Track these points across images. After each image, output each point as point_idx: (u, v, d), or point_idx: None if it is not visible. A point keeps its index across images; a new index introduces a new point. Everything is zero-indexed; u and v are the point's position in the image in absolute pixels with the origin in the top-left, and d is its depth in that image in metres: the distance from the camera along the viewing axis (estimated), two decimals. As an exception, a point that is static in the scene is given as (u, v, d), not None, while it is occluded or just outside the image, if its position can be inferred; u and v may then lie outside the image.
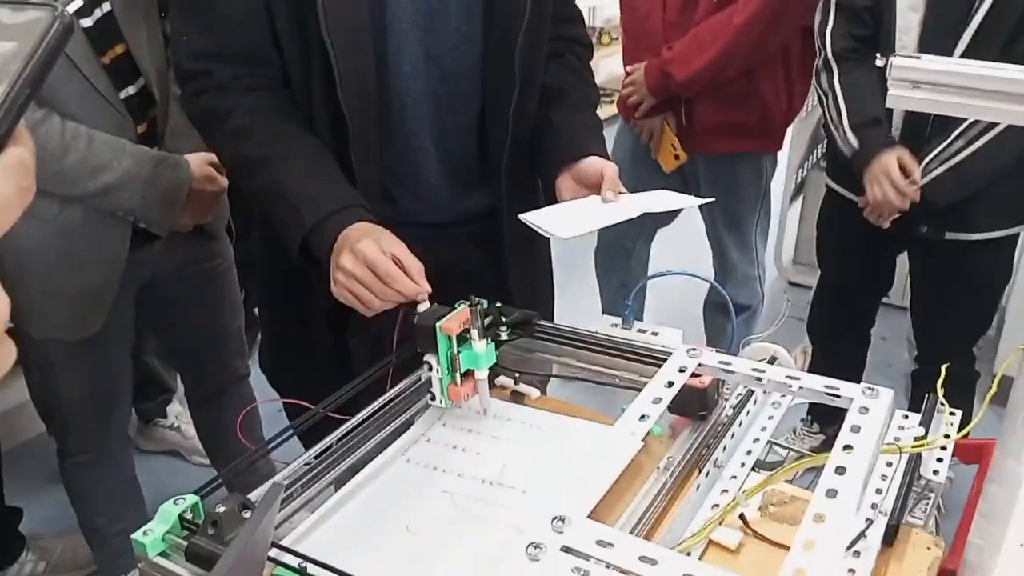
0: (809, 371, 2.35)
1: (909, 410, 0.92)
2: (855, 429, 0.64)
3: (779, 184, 3.32)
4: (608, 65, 6.15)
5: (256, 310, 2.46)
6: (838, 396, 0.69)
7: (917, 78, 0.64)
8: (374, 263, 0.97)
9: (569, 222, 1.07)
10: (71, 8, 0.57)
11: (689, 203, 1.20)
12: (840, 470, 0.59)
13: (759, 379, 0.72)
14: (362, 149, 1.14)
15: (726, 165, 2.26)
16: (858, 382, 2.21)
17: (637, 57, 2.22)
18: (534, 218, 1.09)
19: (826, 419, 2.38)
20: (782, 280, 3.48)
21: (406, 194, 1.24)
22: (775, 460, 1.21)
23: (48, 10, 0.39)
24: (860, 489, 0.61)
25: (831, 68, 1.88)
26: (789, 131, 2.61)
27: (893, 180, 1.77)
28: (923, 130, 1.81)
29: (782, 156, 3.00)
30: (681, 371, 0.73)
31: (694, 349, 0.77)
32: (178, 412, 2.40)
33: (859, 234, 1.98)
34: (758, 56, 2.05)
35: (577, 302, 2.50)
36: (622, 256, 2.59)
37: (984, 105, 0.62)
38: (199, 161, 1.46)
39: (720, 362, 0.75)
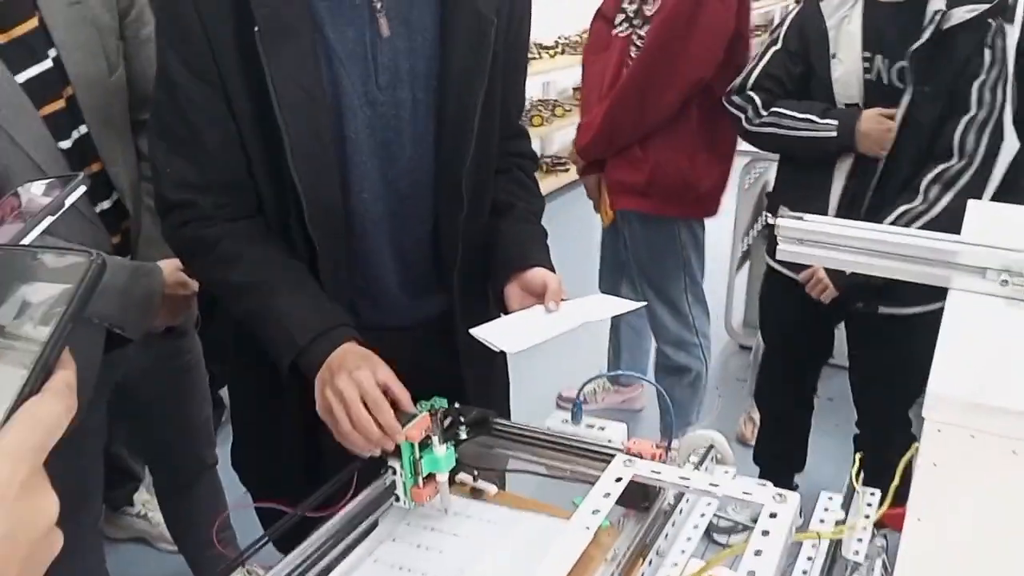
0: (757, 437, 2.47)
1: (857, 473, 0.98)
2: (765, 533, 0.73)
3: (725, 250, 3.48)
4: (563, 136, 6.37)
5: (221, 392, 2.52)
6: (751, 501, 0.79)
7: (801, 236, 0.76)
8: (366, 391, 1.06)
9: (516, 336, 1.17)
10: (73, 198, 0.68)
11: (626, 308, 1.31)
12: (751, 575, 0.68)
13: (686, 486, 0.82)
14: (330, 268, 1.23)
15: (642, 227, 2.51)
16: (804, 446, 2.34)
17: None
18: (484, 332, 1.19)
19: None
20: (733, 343, 3.61)
21: (368, 304, 1.33)
22: (727, 525, 1.30)
23: (85, 256, 0.48)
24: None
25: (758, 105, 2.04)
26: (732, 201, 2.81)
27: (884, 120, 1.89)
28: (858, 212, 1.96)
29: (725, 224, 3.17)
30: (618, 480, 0.83)
31: (630, 458, 0.87)
32: (145, 500, 2.43)
33: (799, 309, 2.12)
34: (638, 123, 2.33)
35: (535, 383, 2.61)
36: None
37: (861, 261, 0.74)
38: (171, 267, 1.54)
39: (652, 471, 0.84)
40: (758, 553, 0.70)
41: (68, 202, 0.65)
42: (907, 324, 2.01)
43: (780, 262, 2.14)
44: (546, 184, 5.38)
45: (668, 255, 2.51)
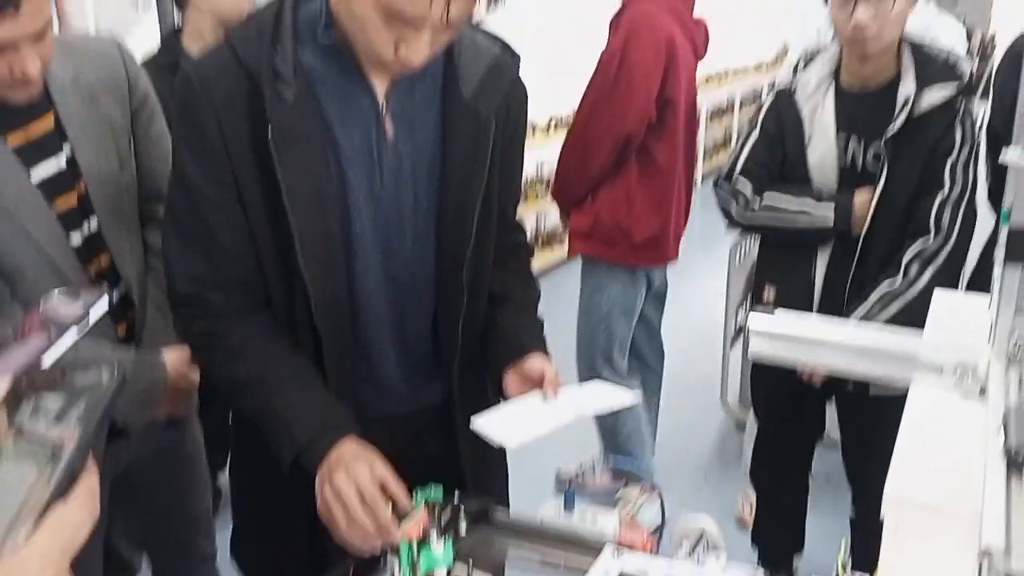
0: (754, 518, 2.47)
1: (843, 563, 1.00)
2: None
3: (718, 327, 3.52)
4: (556, 212, 6.46)
5: (220, 477, 2.52)
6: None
7: (771, 333, 0.80)
8: (363, 487, 1.09)
9: (515, 429, 1.21)
10: (96, 314, 0.73)
11: (621, 403, 1.35)
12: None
13: (671, 578, 0.84)
14: (334, 358, 1.28)
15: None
16: (802, 527, 2.33)
17: None
18: (483, 426, 1.23)
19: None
20: (729, 421, 3.61)
21: (370, 392, 1.37)
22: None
23: (108, 368, 0.53)
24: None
25: (748, 195, 2.09)
26: (724, 274, 2.91)
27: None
28: (841, 294, 2.01)
29: (717, 300, 3.23)
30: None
31: (619, 549, 0.89)
32: (141, 590, 2.41)
33: (789, 389, 2.15)
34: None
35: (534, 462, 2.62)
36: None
37: (827, 360, 0.78)
38: (174, 358, 1.57)
39: (639, 566, 0.87)
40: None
41: (93, 317, 0.69)
42: (897, 404, 2.02)
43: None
44: (542, 259, 5.45)
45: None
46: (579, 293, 2.86)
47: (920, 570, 0.60)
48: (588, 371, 2.79)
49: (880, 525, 2.10)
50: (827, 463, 2.58)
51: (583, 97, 2.63)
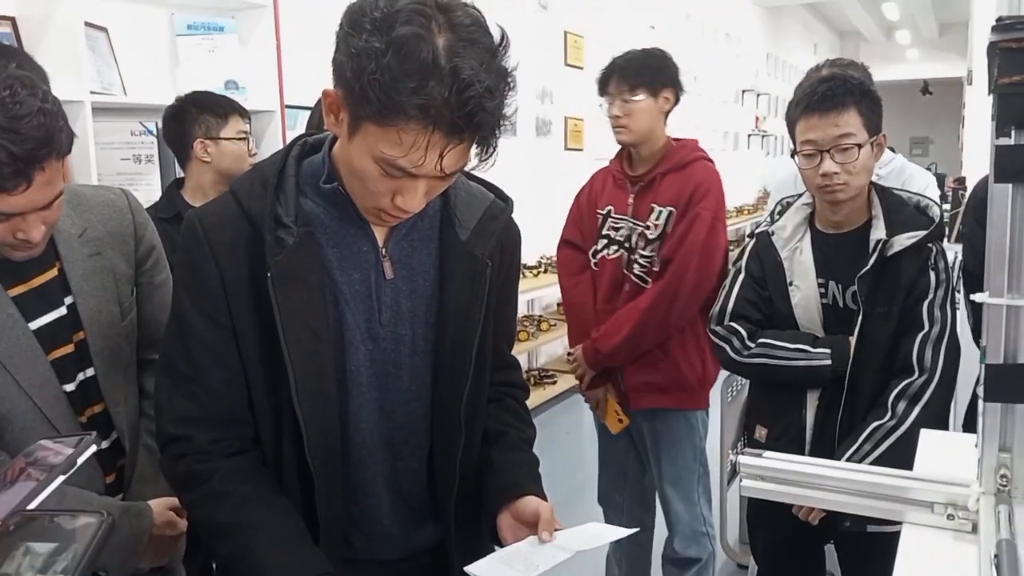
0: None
1: None
2: None
3: (714, 465, 3.48)
4: (548, 349, 6.52)
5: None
6: None
7: (762, 473, 0.81)
8: None
9: (511, 572, 1.19)
10: (83, 459, 0.73)
11: (620, 535, 1.33)
12: None
13: None
14: (326, 499, 1.26)
15: (660, 421, 2.69)
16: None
17: (578, 341, 2.76)
18: (479, 571, 1.20)
19: None
20: (730, 563, 3.52)
21: (360, 536, 1.35)
22: None
23: (96, 516, 0.54)
24: None
25: (743, 336, 2.10)
26: (718, 409, 2.93)
27: None
28: (832, 434, 2.02)
29: (712, 440, 3.21)
30: None
31: None
32: None
33: (788, 530, 2.11)
34: (663, 331, 2.58)
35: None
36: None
37: (819, 496, 0.79)
38: (161, 507, 1.55)
39: None
40: None
41: (79, 461, 0.70)
42: (896, 542, 1.99)
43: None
44: (535, 396, 5.45)
45: (687, 447, 2.69)
46: (649, 447, 2.75)
47: None
48: (690, 506, 2.73)
49: None
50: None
51: (680, 257, 2.52)
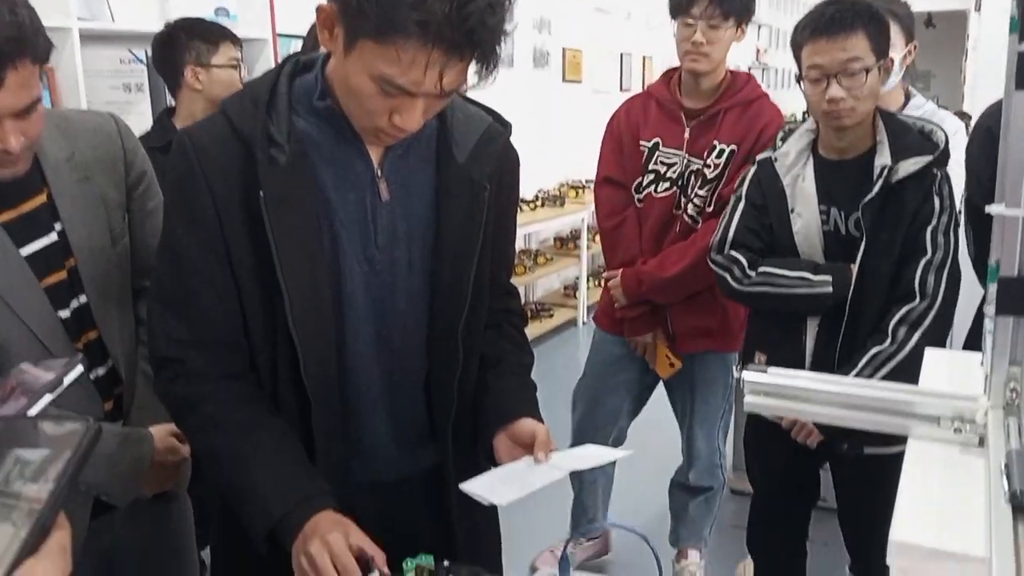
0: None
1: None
2: None
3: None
4: (546, 283, 6.52)
5: (203, 553, 2.46)
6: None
7: (766, 389, 0.81)
8: (337, 555, 1.07)
9: (506, 488, 1.19)
10: (71, 378, 0.72)
11: (613, 456, 1.34)
12: None
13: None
14: (323, 422, 1.26)
15: (699, 363, 2.67)
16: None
17: (619, 267, 2.66)
18: (473, 487, 1.21)
19: None
20: (725, 489, 3.57)
21: (359, 458, 1.35)
22: None
23: (82, 422, 0.53)
24: None
25: (744, 265, 2.09)
26: None
27: None
28: (831, 362, 2.02)
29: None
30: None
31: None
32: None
33: (783, 452, 2.13)
34: (711, 276, 2.43)
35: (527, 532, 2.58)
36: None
37: (824, 412, 0.78)
38: (162, 433, 1.55)
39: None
40: None
41: (67, 381, 0.69)
42: (892, 464, 2.01)
43: (761, 406, 2.18)
44: (531, 330, 5.46)
45: (720, 387, 2.70)
46: (686, 387, 2.74)
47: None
48: (711, 441, 2.78)
49: None
50: (823, 531, 2.54)
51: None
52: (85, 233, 1.49)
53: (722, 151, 2.45)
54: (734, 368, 3.35)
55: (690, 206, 2.51)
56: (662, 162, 2.53)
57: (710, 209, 2.47)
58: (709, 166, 2.46)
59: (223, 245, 1.20)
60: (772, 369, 0.82)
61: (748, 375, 0.82)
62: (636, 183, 2.58)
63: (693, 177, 2.49)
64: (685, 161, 2.50)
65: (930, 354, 0.92)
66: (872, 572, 2.20)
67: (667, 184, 2.53)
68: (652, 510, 3.29)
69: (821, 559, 2.50)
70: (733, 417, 3.56)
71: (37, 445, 0.52)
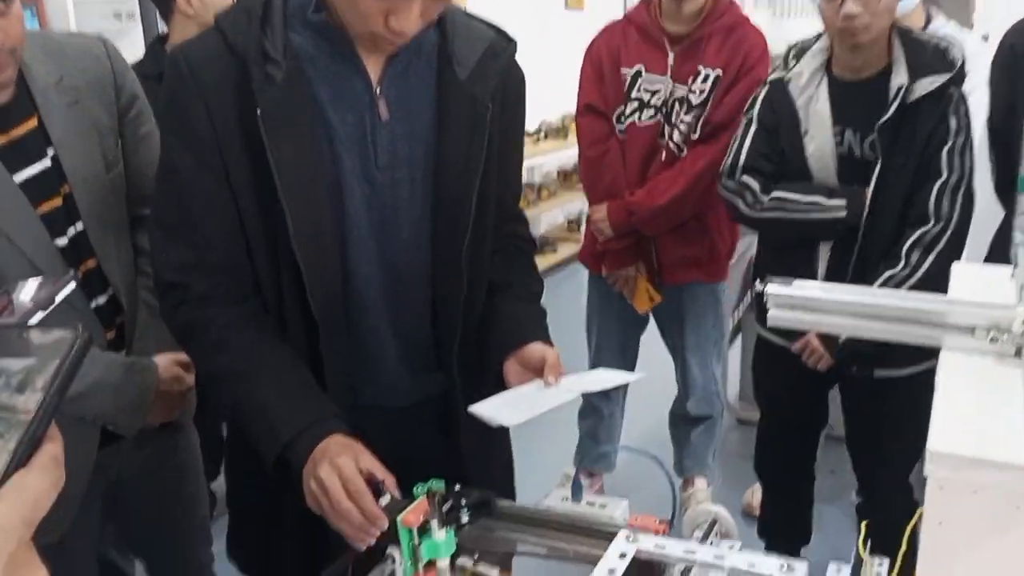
0: (760, 510, 2.45)
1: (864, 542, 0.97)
2: (776, 604, 0.72)
3: (717, 326, 3.50)
4: (549, 217, 6.46)
5: (213, 485, 2.47)
6: (758, 573, 0.78)
7: (791, 302, 0.78)
8: (347, 479, 1.06)
9: (515, 410, 1.17)
10: (63, 294, 0.68)
11: (625, 379, 1.32)
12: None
13: (692, 560, 0.81)
14: (330, 345, 1.24)
15: (688, 294, 2.63)
16: (808, 518, 2.31)
17: (603, 201, 2.58)
18: (482, 409, 1.19)
19: None
20: (730, 418, 3.59)
21: (367, 384, 1.33)
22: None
23: (71, 330, 0.49)
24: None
25: (756, 190, 2.05)
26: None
27: None
28: (843, 280, 1.99)
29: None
30: (622, 556, 0.82)
31: (632, 533, 0.85)
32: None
33: (792, 378, 2.12)
34: (708, 199, 2.40)
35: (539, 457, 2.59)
36: None
37: (851, 324, 0.75)
38: (167, 362, 1.54)
39: (656, 545, 0.83)
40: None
41: (59, 298, 0.66)
42: (902, 386, 2.02)
43: (772, 331, 2.16)
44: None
45: (711, 316, 2.68)
46: (675, 319, 2.71)
47: (967, 525, 0.57)
48: (705, 369, 2.76)
49: (886, 510, 2.11)
50: (830, 458, 2.55)
51: (725, 121, 2.35)
52: (78, 159, 1.45)
53: (707, 76, 2.38)
54: (748, 292, 3.34)
55: (675, 134, 2.44)
56: (645, 89, 2.45)
57: (696, 136, 2.41)
58: (694, 92, 2.39)
59: (221, 164, 1.15)
60: (797, 282, 0.79)
61: (772, 288, 0.79)
62: (618, 112, 2.50)
63: (678, 104, 2.42)
64: (670, 88, 2.42)
65: (958, 267, 0.89)
66: (878, 497, 2.21)
67: (651, 112, 2.45)
68: (657, 442, 3.31)
69: (828, 486, 2.52)
70: (741, 344, 3.58)
71: (22, 354, 0.48)
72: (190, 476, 1.76)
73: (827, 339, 1.97)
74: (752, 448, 2.49)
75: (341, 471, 1.07)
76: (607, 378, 1.31)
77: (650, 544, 0.82)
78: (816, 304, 0.77)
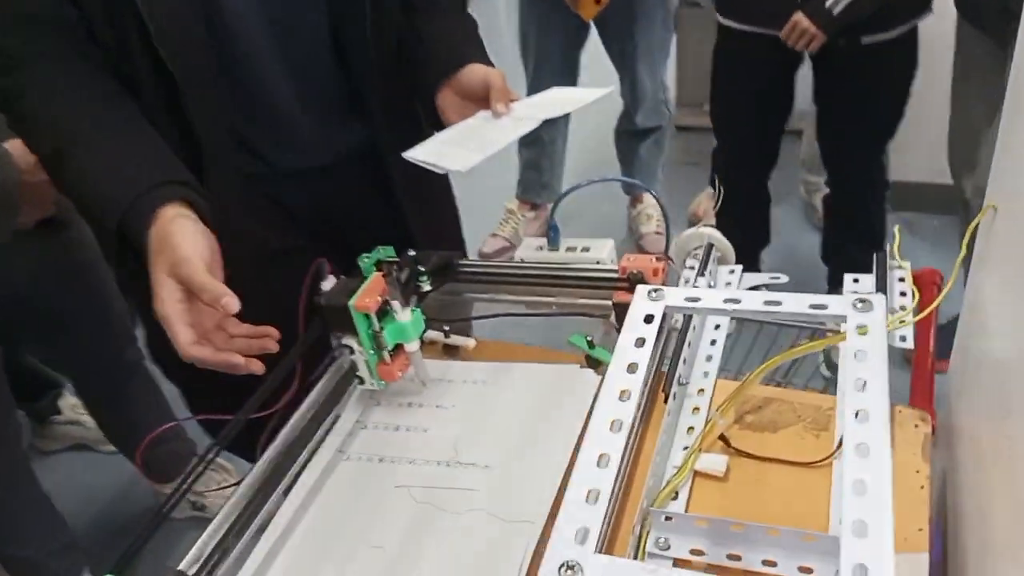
0: (717, 218, 2.31)
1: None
2: (860, 356, 0.56)
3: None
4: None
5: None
6: (828, 315, 0.61)
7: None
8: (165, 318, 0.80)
9: (463, 149, 0.94)
10: None
11: (592, 96, 1.07)
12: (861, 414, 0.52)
13: (735, 310, 0.63)
14: (199, 104, 0.96)
15: None
16: (767, 219, 2.21)
17: None
18: (420, 154, 0.96)
19: None
20: (669, 126, 3.42)
21: (269, 143, 1.08)
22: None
23: None
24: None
25: None
26: None
27: None
28: None
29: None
30: (648, 320, 0.64)
31: (656, 290, 0.67)
32: (72, 404, 2.19)
33: (759, 66, 1.97)
34: None
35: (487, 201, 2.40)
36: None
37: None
38: (21, 149, 1.24)
39: (687, 298, 0.65)
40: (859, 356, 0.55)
41: None
42: (885, 51, 1.88)
43: (732, 17, 1.94)
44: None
45: (659, 13, 2.46)
46: (622, 26, 2.46)
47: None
48: (654, 77, 2.59)
49: (858, 194, 2.02)
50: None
51: None
52: None
53: None
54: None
55: None
56: None
57: None
58: None
59: None
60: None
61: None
62: None
63: None
64: None
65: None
66: (851, 178, 2.12)
67: None
68: (600, 164, 3.14)
69: (776, 182, 2.37)
70: (676, 45, 3.32)
71: None
72: (93, 274, 1.54)
73: (818, 15, 1.77)
74: (693, 156, 2.35)
75: (163, 309, 0.80)
76: (569, 97, 1.07)
77: (679, 298, 0.64)
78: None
